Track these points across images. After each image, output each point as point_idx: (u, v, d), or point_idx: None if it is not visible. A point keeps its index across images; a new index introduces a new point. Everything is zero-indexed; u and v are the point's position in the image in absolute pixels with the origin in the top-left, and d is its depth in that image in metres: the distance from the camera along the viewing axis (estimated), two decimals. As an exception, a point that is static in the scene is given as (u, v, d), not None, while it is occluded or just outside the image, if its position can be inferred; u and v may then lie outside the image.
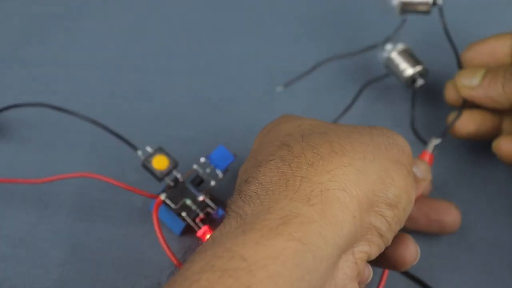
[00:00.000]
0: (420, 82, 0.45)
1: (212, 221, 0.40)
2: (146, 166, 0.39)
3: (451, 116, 0.43)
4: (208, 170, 0.41)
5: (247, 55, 0.51)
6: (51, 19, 0.52)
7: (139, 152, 0.41)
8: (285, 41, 0.52)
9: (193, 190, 0.40)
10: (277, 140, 0.33)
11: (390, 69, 0.46)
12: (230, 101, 0.48)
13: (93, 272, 0.39)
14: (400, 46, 0.45)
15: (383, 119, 0.47)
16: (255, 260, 0.26)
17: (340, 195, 0.29)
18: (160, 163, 0.39)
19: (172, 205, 0.39)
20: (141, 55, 0.51)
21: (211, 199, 0.40)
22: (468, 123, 0.43)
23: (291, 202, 0.29)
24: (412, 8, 0.45)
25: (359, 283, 0.32)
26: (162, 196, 0.39)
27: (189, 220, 0.39)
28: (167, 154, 0.40)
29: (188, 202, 0.39)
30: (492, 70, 0.41)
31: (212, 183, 0.40)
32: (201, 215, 0.39)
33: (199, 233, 0.38)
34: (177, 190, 0.40)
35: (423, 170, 0.37)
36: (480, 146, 0.45)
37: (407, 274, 0.39)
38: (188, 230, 0.40)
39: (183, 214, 0.39)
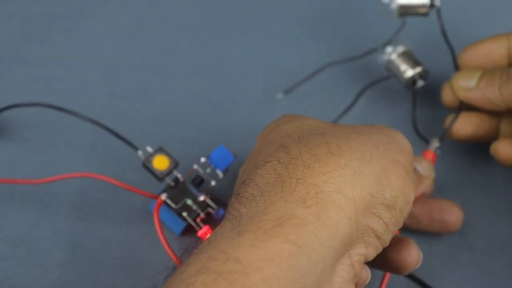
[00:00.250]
0: (420, 83, 0.45)
1: (213, 221, 0.40)
2: (146, 166, 0.39)
3: (449, 119, 0.43)
4: (208, 170, 0.41)
5: (247, 55, 0.51)
6: (51, 19, 0.52)
7: (140, 152, 0.41)
8: (285, 41, 0.52)
9: (193, 190, 0.40)
10: (276, 141, 0.33)
11: (391, 71, 0.46)
12: (230, 101, 0.48)
13: (93, 272, 0.39)
14: (400, 48, 0.46)
15: (383, 120, 0.47)
16: (250, 262, 0.26)
17: (336, 197, 0.29)
18: (160, 163, 0.39)
19: (173, 205, 0.39)
20: (141, 55, 0.51)
21: (212, 199, 0.40)
22: (465, 126, 0.43)
23: (286, 203, 0.29)
24: (411, 11, 0.45)
25: (357, 285, 0.32)
26: (163, 196, 0.39)
27: (190, 220, 0.39)
28: (168, 154, 0.40)
29: (189, 202, 0.39)
30: (488, 72, 0.41)
31: (213, 183, 0.40)
32: (202, 215, 0.39)
33: (200, 233, 0.38)
34: (177, 190, 0.40)
35: (426, 168, 0.37)
36: (480, 146, 0.45)
37: (407, 274, 0.39)
38: (188, 230, 0.40)
39: (184, 214, 0.39)
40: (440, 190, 0.43)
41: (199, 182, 0.40)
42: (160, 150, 0.40)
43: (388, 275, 0.38)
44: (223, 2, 0.54)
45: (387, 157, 0.32)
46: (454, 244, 0.41)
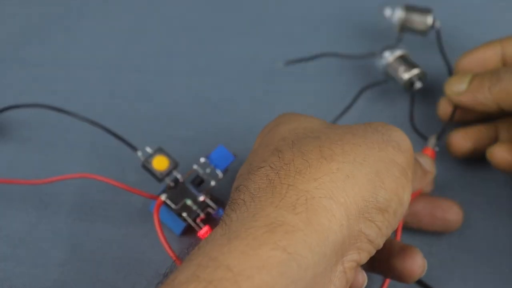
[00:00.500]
0: (418, 85, 0.46)
1: (212, 221, 0.40)
2: (146, 167, 0.39)
3: (450, 136, 0.43)
4: (208, 170, 0.41)
5: (247, 55, 0.51)
6: (51, 19, 0.52)
7: (139, 153, 0.41)
8: (285, 41, 0.52)
9: (193, 190, 0.40)
10: (272, 144, 0.33)
11: (389, 74, 0.47)
12: (230, 101, 0.48)
13: (93, 272, 0.39)
14: (398, 52, 0.46)
15: (382, 120, 0.47)
16: (241, 270, 0.26)
17: (327, 203, 0.29)
18: (160, 163, 0.39)
19: (173, 206, 0.39)
20: (141, 55, 0.51)
21: (212, 199, 0.40)
22: (465, 141, 0.43)
23: (277, 209, 0.28)
24: (410, 27, 0.47)
25: None
26: (163, 197, 0.39)
27: (190, 221, 0.39)
28: (167, 155, 0.40)
29: (189, 202, 0.39)
30: (478, 74, 0.41)
31: (212, 183, 0.40)
32: (202, 215, 0.39)
33: (200, 233, 0.38)
34: (177, 191, 0.40)
35: (427, 163, 0.37)
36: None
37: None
38: (188, 230, 0.40)
39: (184, 214, 0.39)
40: (440, 190, 0.43)
41: (198, 182, 0.40)
42: (159, 150, 0.40)
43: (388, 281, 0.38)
44: (223, 2, 0.54)
45: (382, 158, 0.31)
46: (454, 244, 0.41)
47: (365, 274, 0.33)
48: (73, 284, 0.39)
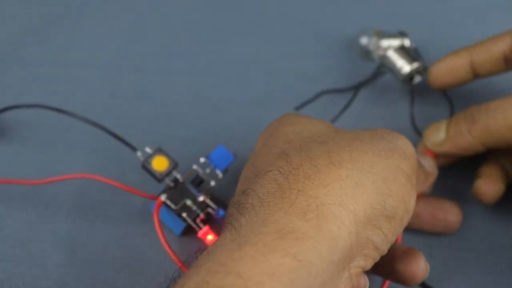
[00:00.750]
0: (417, 79, 0.45)
1: (212, 221, 0.40)
2: (145, 167, 0.39)
3: (477, 186, 0.41)
4: (208, 170, 0.41)
5: (247, 55, 0.51)
6: (51, 19, 0.52)
7: (139, 153, 0.41)
8: (285, 41, 0.52)
9: (193, 190, 0.40)
10: (277, 146, 0.33)
11: (386, 66, 0.46)
12: (230, 101, 0.48)
13: (93, 272, 0.39)
14: (395, 43, 0.46)
15: (382, 117, 0.47)
16: (251, 276, 0.26)
17: (336, 210, 0.29)
18: (160, 164, 0.39)
19: (173, 206, 0.39)
20: (141, 55, 0.51)
21: (211, 199, 0.40)
22: (493, 187, 0.41)
23: (286, 215, 0.28)
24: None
25: None
26: (163, 197, 0.39)
27: (189, 221, 0.39)
28: (167, 155, 0.40)
29: (189, 202, 0.39)
30: (453, 119, 0.41)
31: (212, 183, 0.40)
32: (202, 215, 0.39)
33: (200, 233, 0.38)
34: (177, 191, 0.40)
35: (430, 164, 0.37)
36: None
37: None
38: (189, 230, 0.40)
39: (184, 214, 0.39)
40: (440, 190, 0.43)
41: (198, 182, 0.40)
42: (159, 151, 0.40)
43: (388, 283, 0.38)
44: (223, 2, 0.54)
45: (389, 165, 0.31)
46: (454, 244, 0.41)
47: (366, 278, 0.33)
48: (73, 284, 0.39)
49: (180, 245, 0.40)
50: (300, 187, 0.29)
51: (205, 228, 0.38)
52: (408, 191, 0.32)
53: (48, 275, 0.39)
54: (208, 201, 0.40)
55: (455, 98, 0.47)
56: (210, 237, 0.38)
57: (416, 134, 0.45)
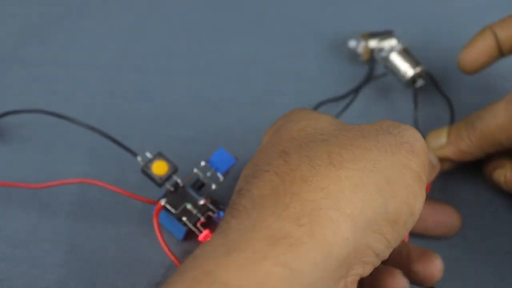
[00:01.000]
0: (420, 82, 0.45)
1: (213, 225, 0.39)
2: (145, 172, 0.39)
3: (501, 175, 0.42)
4: (209, 174, 0.40)
5: (247, 55, 0.51)
6: (51, 19, 0.52)
7: (139, 158, 0.40)
8: (285, 41, 0.52)
9: (193, 194, 0.39)
10: (279, 144, 0.32)
11: (389, 68, 0.46)
12: (230, 101, 0.48)
13: (93, 272, 0.39)
14: (399, 46, 0.46)
15: (384, 117, 0.47)
16: (237, 286, 0.25)
17: (333, 215, 0.27)
18: (159, 168, 0.39)
19: (173, 210, 0.39)
20: (141, 55, 0.51)
21: (212, 202, 0.40)
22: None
23: (279, 220, 0.27)
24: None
25: None
26: (162, 202, 0.39)
27: (190, 225, 0.39)
28: (167, 159, 0.39)
29: (189, 206, 0.39)
30: (454, 126, 0.41)
31: (213, 186, 0.40)
32: (202, 219, 0.39)
33: (201, 237, 0.38)
34: (177, 195, 0.39)
35: (433, 159, 0.37)
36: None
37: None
38: (190, 234, 0.40)
39: (184, 219, 0.39)
40: (440, 191, 0.43)
41: (199, 186, 0.40)
42: (159, 155, 0.39)
43: None
44: (223, 2, 0.54)
45: (394, 163, 0.29)
46: (455, 245, 0.41)
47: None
48: (73, 284, 0.39)
49: (181, 248, 0.40)
50: (296, 190, 0.28)
51: (206, 232, 0.38)
52: (415, 192, 0.30)
53: (48, 275, 0.39)
54: (209, 205, 0.39)
55: (455, 99, 0.47)
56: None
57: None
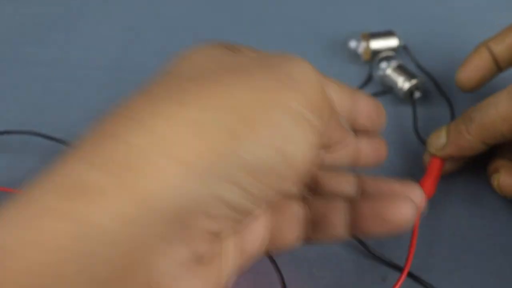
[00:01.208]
0: (417, 94, 0.46)
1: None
2: None
3: (502, 180, 0.42)
4: None
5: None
6: (51, 19, 0.52)
7: None
8: (285, 41, 0.52)
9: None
10: (147, 82, 0.26)
11: (387, 84, 0.47)
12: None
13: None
14: (394, 63, 0.47)
15: (387, 128, 0.47)
16: (11, 246, 0.20)
17: (160, 161, 0.22)
18: None
19: None
20: (141, 55, 0.51)
21: None
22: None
23: (83, 166, 0.22)
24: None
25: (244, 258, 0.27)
26: None
27: None
28: None
29: None
30: (452, 123, 0.41)
31: None
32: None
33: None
34: None
35: (345, 121, 0.30)
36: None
37: (408, 275, 0.39)
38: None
39: None
40: (440, 191, 0.43)
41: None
42: None
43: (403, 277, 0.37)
44: (223, 2, 0.54)
45: (262, 101, 0.24)
46: (454, 244, 0.41)
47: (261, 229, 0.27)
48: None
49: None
50: (118, 132, 0.23)
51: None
52: (288, 135, 0.24)
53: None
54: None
55: (456, 100, 0.47)
56: None
57: (423, 147, 0.45)
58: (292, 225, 0.30)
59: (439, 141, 0.41)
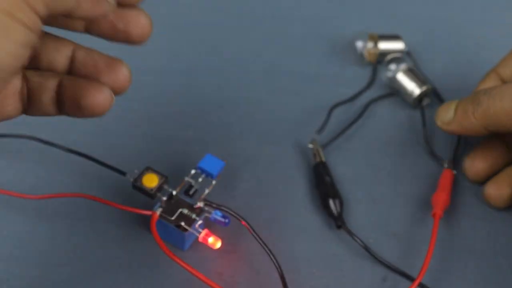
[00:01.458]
0: (426, 101, 0.46)
1: (211, 225, 0.39)
2: (136, 186, 0.38)
3: (487, 192, 0.42)
4: (200, 180, 0.40)
5: (247, 55, 0.51)
6: (51, 19, 0.52)
7: (128, 175, 0.40)
8: (285, 41, 0.52)
9: (188, 200, 0.39)
10: None
11: (395, 88, 0.47)
12: (230, 101, 0.48)
13: (93, 272, 0.39)
14: (404, 66, 0.46)
15: (394, 135, 0.46)
16: None
17: None
18: (150, 180, 0.38)
19: (169, 218, 0.38)
20: (142, 55, 0.50)
21: (206, 204, 0.39)
22: (482, 164, 0.43)
23: None
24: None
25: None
26: (158, 211, 0.38)
27: (189, 229, 0.38)
28: (155, 172, 0.39)
29: (185, 211, 0.39)
30: (462, 100, 0.42)
31: (206, 191, 0.39)
32: (200, 221, 0.39)
33: (200, 238, 0.38)
34: (172, 204, 0.39)
35: None
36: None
37: (407, 276, 0.39)
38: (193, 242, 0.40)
39: (182, 223, 0.38)
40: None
41: (192, 193, 0.40)
42: (147, 169, 0.39)
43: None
44: (223, 2, 0.54)
45: None
46: (454, 244, 0.41)
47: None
48: (73, 284, 0.39)
49: (183, 253, 0.40)
50: None
51: (205, 231, 0.38)
52: None
53: (48, 276, 0.39)
54: (204, 207, 0.39)
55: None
56: (211, 240, 0.38)
57: (432, 157, 0.44)
58: (10, 98, 0.30)
59: (447, 115, 0.42)
